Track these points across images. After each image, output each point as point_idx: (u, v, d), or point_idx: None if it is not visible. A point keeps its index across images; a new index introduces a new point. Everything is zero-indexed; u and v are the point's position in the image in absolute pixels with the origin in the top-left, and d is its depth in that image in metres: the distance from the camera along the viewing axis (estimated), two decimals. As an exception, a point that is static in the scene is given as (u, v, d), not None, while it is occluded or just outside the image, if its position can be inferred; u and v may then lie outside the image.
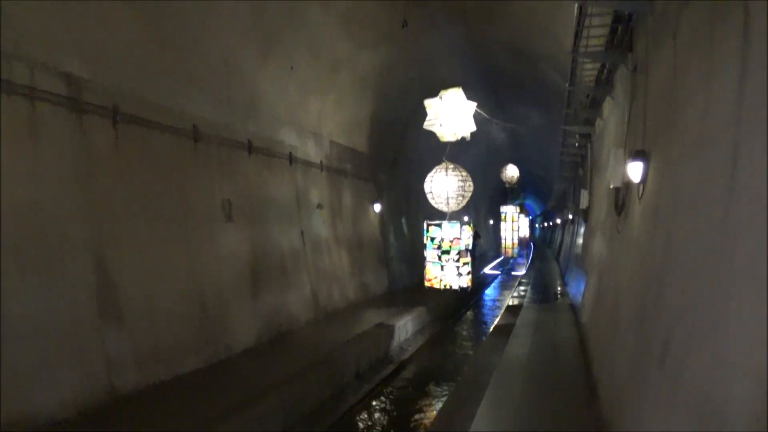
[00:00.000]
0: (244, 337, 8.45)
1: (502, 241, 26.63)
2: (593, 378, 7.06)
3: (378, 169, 16.15)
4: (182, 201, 7.70)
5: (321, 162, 12.40)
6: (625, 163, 6.29)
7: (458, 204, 8.67)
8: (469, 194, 8.61)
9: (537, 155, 27.28)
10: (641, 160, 5.31)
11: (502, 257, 30.53)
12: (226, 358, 7.80)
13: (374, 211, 15.93)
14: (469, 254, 9.01)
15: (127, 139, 6.78)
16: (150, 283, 6.82)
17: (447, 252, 8.87)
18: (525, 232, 32.25)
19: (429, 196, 8.56)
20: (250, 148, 9.46)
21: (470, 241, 9.08)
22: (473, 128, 8.12)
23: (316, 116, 11.89)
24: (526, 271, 25.60)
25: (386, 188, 16.93)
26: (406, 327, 11.55)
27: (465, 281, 8.86)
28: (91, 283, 6.02)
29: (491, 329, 11.75)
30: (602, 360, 6.86)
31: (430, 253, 8.95)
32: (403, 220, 18.69)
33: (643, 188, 5.38)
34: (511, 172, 22.54)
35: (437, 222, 8.80)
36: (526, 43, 12.82)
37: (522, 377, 7.20)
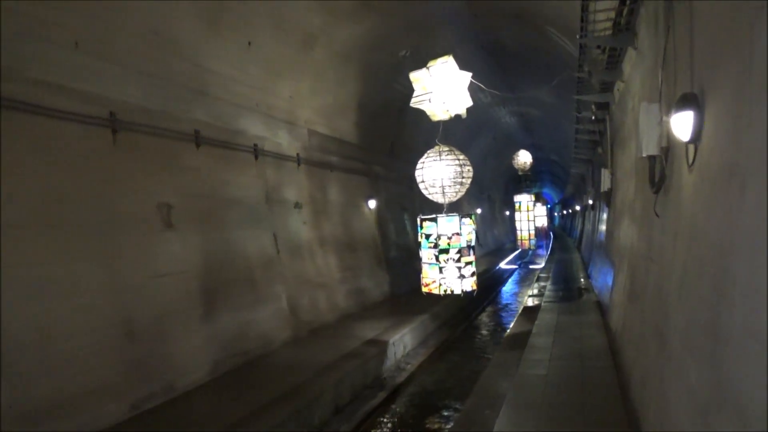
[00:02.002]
0: (193, 371, 6.86)
1: (518, 232, 24.69)
2: (633, 412, 5.35)
3: (372, 160, 14.46)
4: (98, 206, 6.13)
5: (298, 155, 10.79)
6: (661, 122, 4.63)
7: (456, 193, 7.10)
8: (469, 181, 7.02)
9: (552, 139, 25.50)
10: (691, 108, 3.60)
11: (519, 250, 28.63)
12: (166, 401, 6.21)
13: (369, 208, 14.26)
14: (472, 252, 7.40)
15: (10, 130, 5.25)
16: (45, 312, 5.26)
17: (445, 251, 7.20)
18: (543, 221, 30.35)
19: (421, 186, 6.99)
20: (198, 140, 7.89)
21: (472, 236, 7.47)
22: (469, 103, 6.59)
23: (287, 102, 10.27)
24: (546, 264, 23.73)
25: (383, 181, 15.24)
26: (403, 341, 9.89)
27: (469, 284, 7.18)
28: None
29: (503, 340, 10.03)
30: (644, 392, 5.14)
31: (426, 253, 7.28)
32: (405, 216, 16.97)
33: (696, 149, 3.69)
34: (524, 158, 20.61)
35: (431, 216, 7.14)
36: (531, 5, 11.06)
37: (538, 415, 5.49)
